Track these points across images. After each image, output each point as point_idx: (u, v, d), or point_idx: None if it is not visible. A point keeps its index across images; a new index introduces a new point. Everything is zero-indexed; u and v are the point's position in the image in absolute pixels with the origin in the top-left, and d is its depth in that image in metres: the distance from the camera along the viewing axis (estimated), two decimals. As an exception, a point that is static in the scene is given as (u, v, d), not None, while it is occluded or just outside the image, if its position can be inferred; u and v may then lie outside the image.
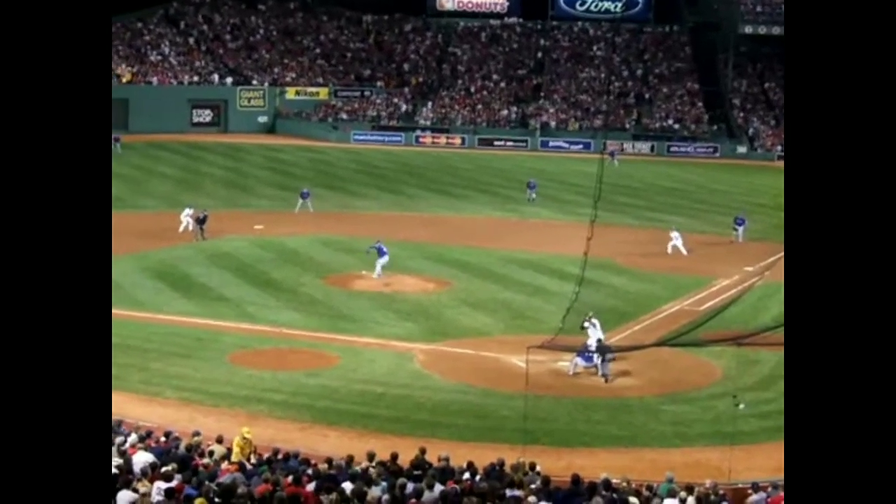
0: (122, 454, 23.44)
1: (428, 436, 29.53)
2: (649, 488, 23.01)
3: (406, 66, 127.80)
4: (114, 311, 41.38)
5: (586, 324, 38.31)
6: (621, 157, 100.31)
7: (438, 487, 20.15)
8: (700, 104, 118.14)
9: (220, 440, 25.23)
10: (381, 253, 50.33)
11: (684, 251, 57.49)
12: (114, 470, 21.07)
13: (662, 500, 21.54)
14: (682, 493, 21.50)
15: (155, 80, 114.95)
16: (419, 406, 33.84)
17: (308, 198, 69.04)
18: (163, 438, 24.87)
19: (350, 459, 23.82)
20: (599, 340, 37.73)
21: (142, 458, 22.89)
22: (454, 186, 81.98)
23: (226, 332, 41.35)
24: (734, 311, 41.41)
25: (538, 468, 23.62)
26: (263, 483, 20.12)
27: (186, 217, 59.87)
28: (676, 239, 58.14)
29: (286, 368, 37.33)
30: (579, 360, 37.47)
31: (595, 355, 37.26)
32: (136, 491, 19.13)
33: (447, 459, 23.82)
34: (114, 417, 26.64)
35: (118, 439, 24.27)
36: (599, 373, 37.10)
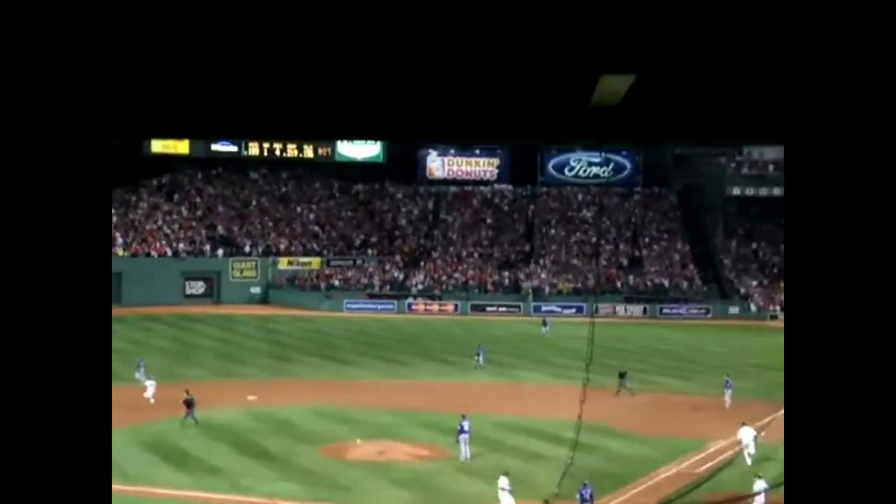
0: None
1: None
2: None
3: (397, 233, 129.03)
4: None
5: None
6: (612, 319, 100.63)
7: None
8: (691, 265, 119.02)
9: None
10: (460, 428, 48.58)
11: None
12: None
13: None
14: None
15: (149, 250, 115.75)
16: (416, 577, 33.46)
17: (141, 368, 66.80)
18: None
19: None
20: None
21: None
22: (447, 353, 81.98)
23: (220, 505, 41.01)
24: (731, 473, 41.22)
25: None
26: None
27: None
28: (150, 387, 60.05)
29: (281, 541, 36.96)
30: None
31: None
32: None
33: None
34: None
35: None
36: None
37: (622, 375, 63.62)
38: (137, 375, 65.40)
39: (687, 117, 6.23)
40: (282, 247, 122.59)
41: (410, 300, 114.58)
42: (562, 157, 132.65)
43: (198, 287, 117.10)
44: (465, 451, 48.25)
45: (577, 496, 37.51)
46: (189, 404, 54.58)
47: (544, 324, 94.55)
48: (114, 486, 38.02)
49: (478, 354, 74.99)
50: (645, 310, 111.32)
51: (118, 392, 59.30)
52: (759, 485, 39.06)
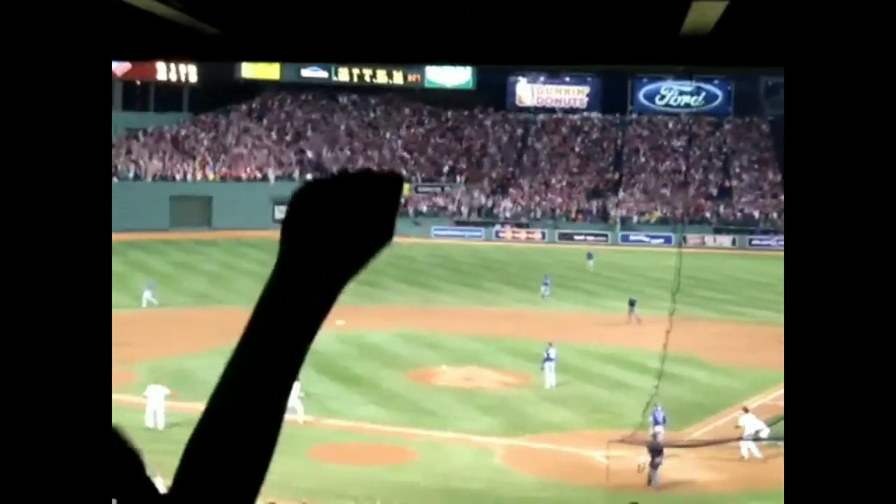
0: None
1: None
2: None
3: (486, 160, 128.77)
4: (193, 405, 41.79)
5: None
6: (701, 249, 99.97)
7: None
8: (782, 196, 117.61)
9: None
10: (546, 356, 49.11)
11: None
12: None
13: None
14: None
15: (238, 174, 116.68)
16: (500, 502, 33.69)
17: (149, 290, 68.13)
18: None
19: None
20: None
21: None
22: (534, 280, 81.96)
23: (307, 427, 41.49)
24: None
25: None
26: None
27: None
28: None
29: (367, 463, 37.37)
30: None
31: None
32: None
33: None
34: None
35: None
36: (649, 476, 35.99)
37: (632, 303, 63.82)
38: (146, 296, 66.92)
39: (779, 44, 6.13)
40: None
41: (498, 227, 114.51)
42: (652, 86, 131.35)
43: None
44: (550, 378, 48.37)
45: (651, 419, 37.71)
46: None
47: (589, 256, 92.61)
48: (201, 409, 38.62)
49: (545, 284, 74.90)
50: (734, 241, 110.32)
51: (207, 314, 60.26)
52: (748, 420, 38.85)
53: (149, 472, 2.29)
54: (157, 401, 41.08)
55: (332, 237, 2.16)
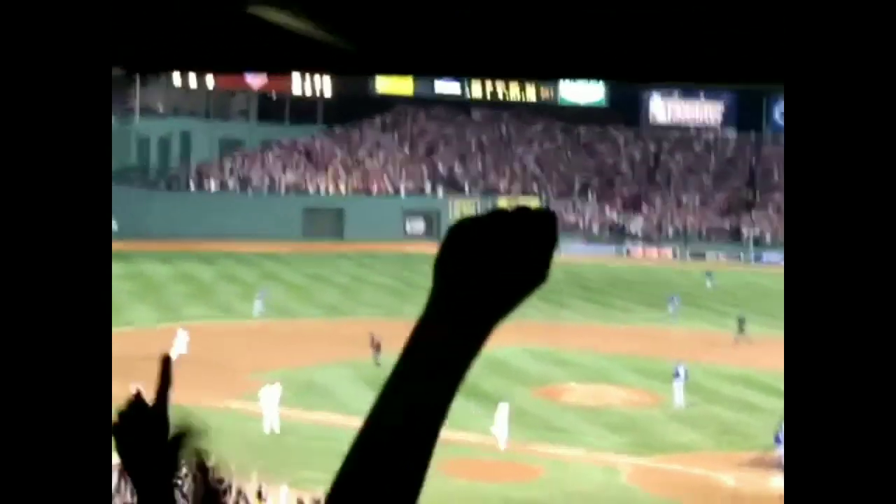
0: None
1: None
2: None
3: (617, 178, 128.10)
4: (323, 416, 42.10)
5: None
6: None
7: None
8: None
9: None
10: (676, 375, 48.88)
11: None
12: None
13: None
14: None
15: (370, 187, 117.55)
16: (626, 522, 33.46)
17: (262, 297, 68.10)
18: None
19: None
20: None
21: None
22: (664, 299, 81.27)
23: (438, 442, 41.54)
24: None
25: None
26: None
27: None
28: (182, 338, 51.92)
29: (493, 480, 37.34)
30: None
31: None
32: None
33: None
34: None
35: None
36: None
37: (741, 322, 62.78)
38: (256, 308, 66.90)
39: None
40: (501, 187, 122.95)
41: (629, 245, 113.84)
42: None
43: (418, 225, 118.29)
44: (679, 397, 47.91)
45: (774, 439, 37.15)
46: (378, 347, 54.59)
47: (708, 275, 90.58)
48: (334, 418, 38.97)
49: (671, 303, 74.08)
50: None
51: (337, 326, 60.64)
52: None
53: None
54: (271, 404, 41.64)
55: (486, 277, 2.23)
